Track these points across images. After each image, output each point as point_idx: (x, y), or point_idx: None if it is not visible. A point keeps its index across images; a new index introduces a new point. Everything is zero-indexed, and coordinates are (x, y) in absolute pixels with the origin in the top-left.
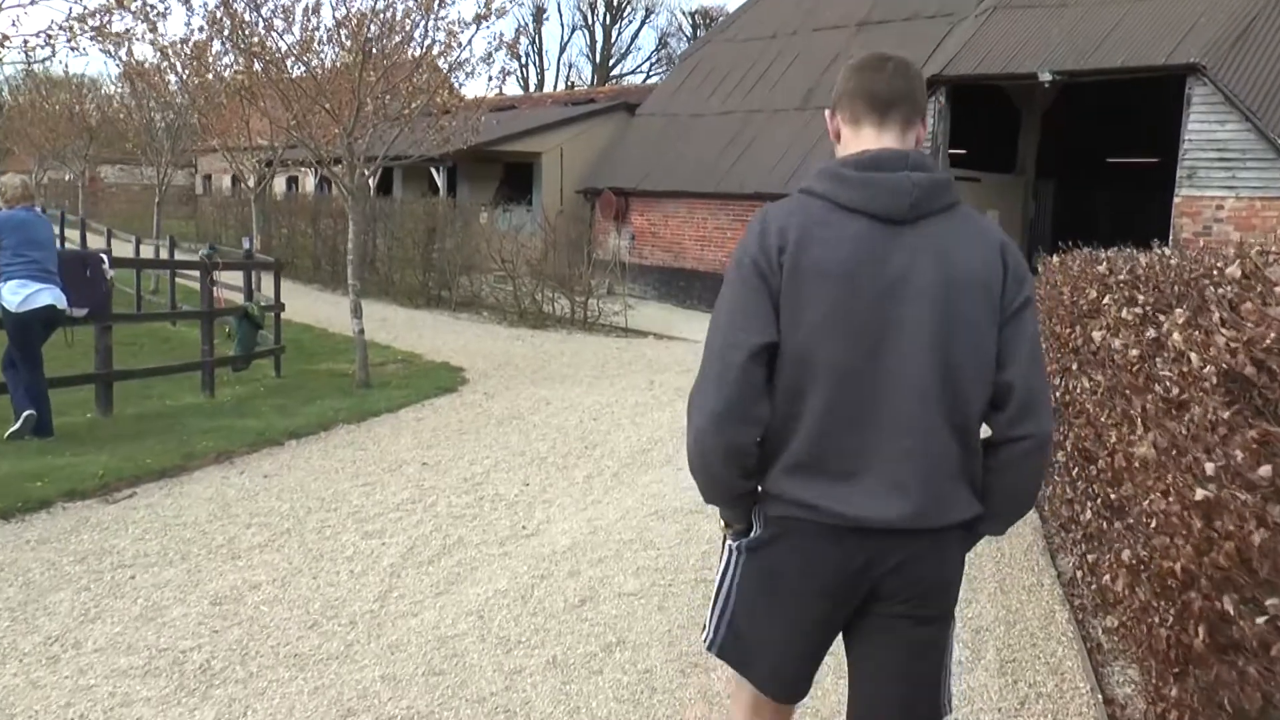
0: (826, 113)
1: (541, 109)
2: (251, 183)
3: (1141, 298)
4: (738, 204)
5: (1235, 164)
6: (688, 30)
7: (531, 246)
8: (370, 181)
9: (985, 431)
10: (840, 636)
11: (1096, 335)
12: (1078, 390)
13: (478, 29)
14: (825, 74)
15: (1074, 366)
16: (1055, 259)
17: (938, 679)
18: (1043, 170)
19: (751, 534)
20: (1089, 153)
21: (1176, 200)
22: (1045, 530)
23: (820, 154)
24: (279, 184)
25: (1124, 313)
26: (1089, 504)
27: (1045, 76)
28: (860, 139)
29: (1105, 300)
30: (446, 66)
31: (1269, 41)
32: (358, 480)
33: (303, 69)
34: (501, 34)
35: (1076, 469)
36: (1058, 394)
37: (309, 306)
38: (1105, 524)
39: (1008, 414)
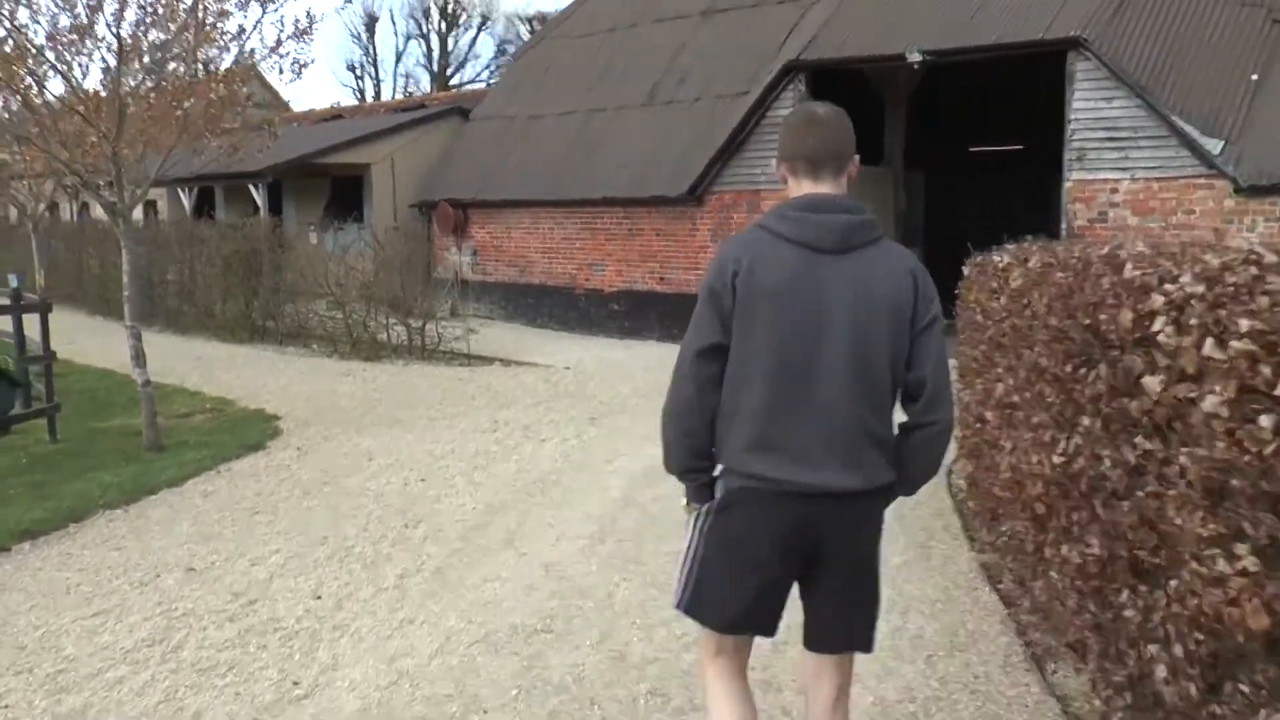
0: (775, 161)
1: (372, 118)
2: (31, 210)
3: (1247, 324)
4: (586, 210)
5: (1127, 143)
6: (525, 36)
7: (361, 268)
8: (148, 202)
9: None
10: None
11: (1154, 386)
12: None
13: (264, 12)
14: (672, 64)
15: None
16: (999, 258)
17: (871, 614)
18: (910, 161)
19: (712, 504)
20: (957, 141)
21: (1067, 184)
22: None
23: (673, 148)
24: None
25: (1214, 349)
26: None
27: (914, 57)
28: (801, 187)
29: (1159, 326)
30: (223, 55)
31: (1149, 12)
32: (89, 607)
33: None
34: (297, 19)
35: None
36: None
37: (113, 347)
38: None
39: (920, 404)
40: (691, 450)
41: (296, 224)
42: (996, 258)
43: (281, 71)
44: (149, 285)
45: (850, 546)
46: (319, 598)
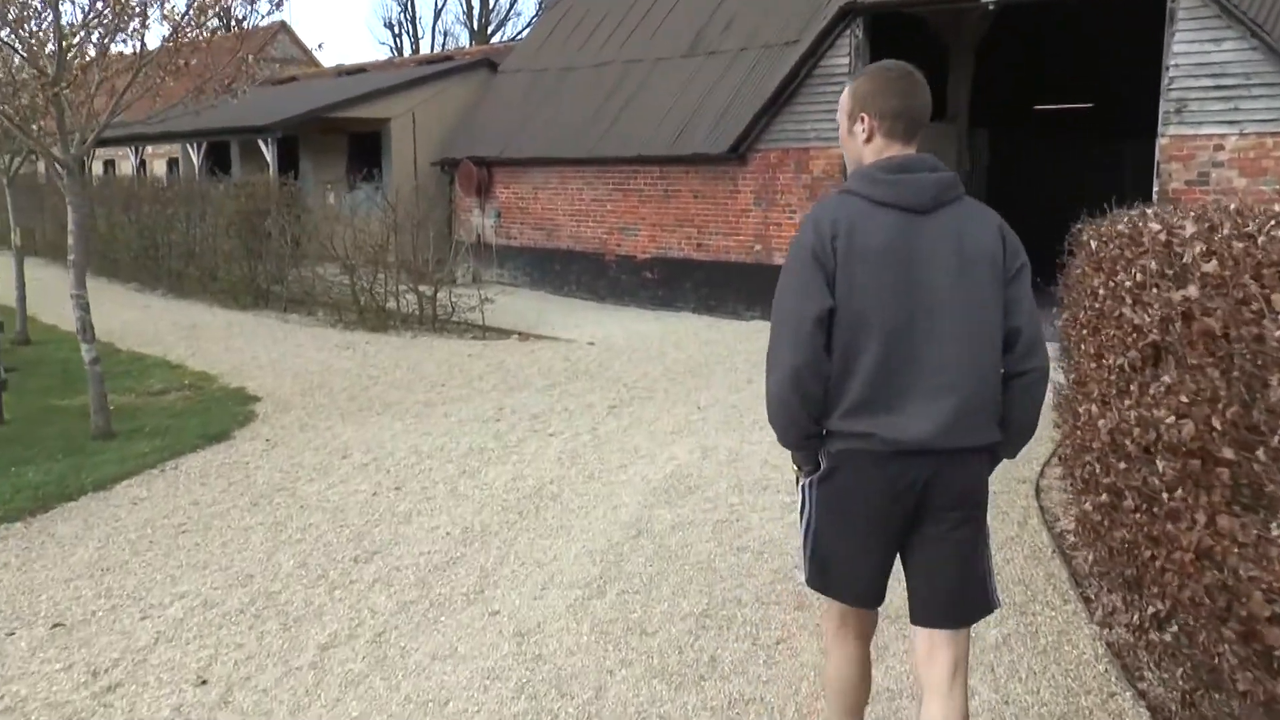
0: (849, 112)
1: (394, 72)
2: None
3: None
4: (618, 170)
5: (1238, 92)
6: None
7: (369, 231)
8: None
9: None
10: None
11: None
12: None
13: None
14: (717, 10)
15: None
16: (1156, 225)
17: (983, 573)
18: (975, 117)
19: (820, 470)
20: (1022, 98)
21: (1162, 141)
22: None
23: (716, 103)
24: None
25: None
26: None
27: None
28: (892, 149)
29: None
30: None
31: None
32: None
33: None
34: None
35: None
36: None
37: (112, 311)
38: None
39: (1017, 353)
40: (813, 418)
41: (314, 182)
42: (1155, 225)
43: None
44: (153, 247)
45: (958, 507)
46: (204, 682)
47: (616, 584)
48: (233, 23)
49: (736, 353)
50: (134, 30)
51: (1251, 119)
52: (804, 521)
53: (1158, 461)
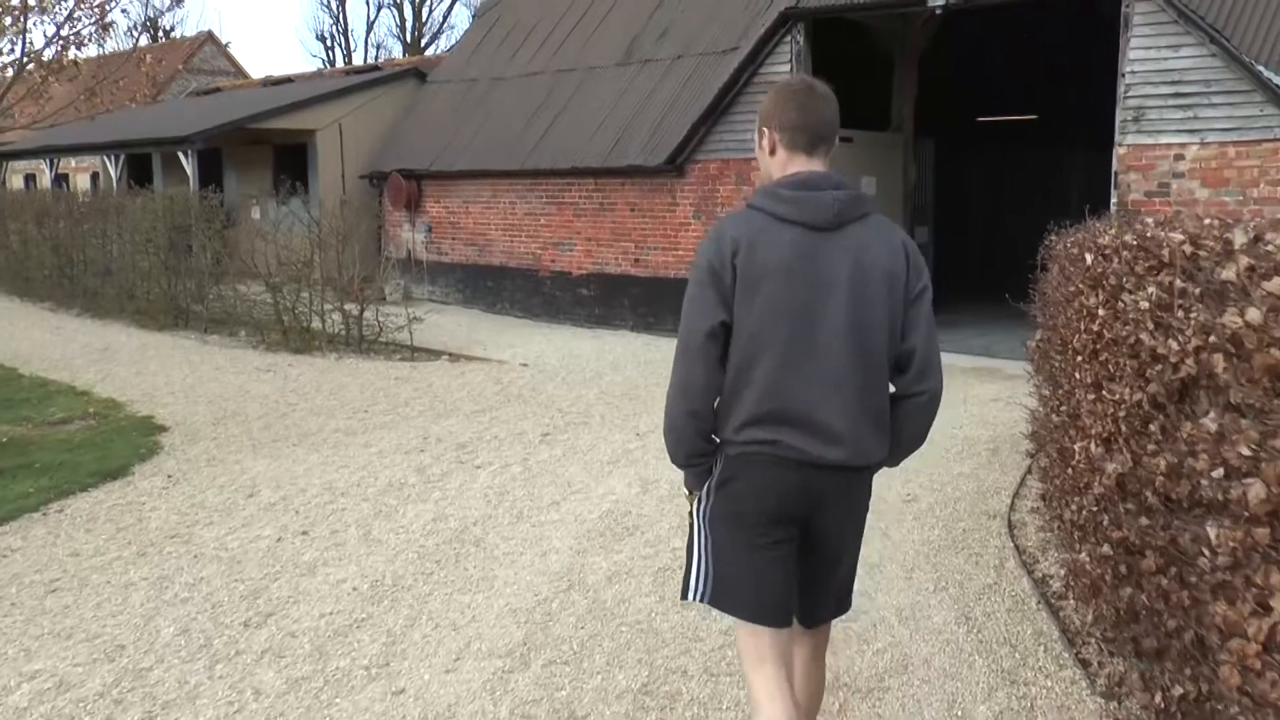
0: (758, 128)
1: (321, 82)
2: None
3: None
4: (551, 183)
5: (1197, 100)
6: None
7: (293, 247)
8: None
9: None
10: None
11: None
12: None
13: None
14: (652, 18)
15: None
16: (1178, 236)
17: (851, 583)
18: (920, 128)
19: (713, 480)
20: (966, 108)
21: (1119, 151)
22: None
23: (651, 113)
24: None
25: None
26: None
27: (938, 0)
28: (795, 163)
29: None
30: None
31: None
32: None
33: None
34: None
35: None
36: None
37: (22, 332)
38: None
39: (910, 374)
40: (699, 433)
41: (238, 196)
42: (1177, 235)
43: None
44: (69, 264)
45: (842, 520)
46: None
47: (543, 652)
48: (158, 31)
49: None
50: (11, 27)
51: (1212, 128)
52: (694, 538)
53: (1209, 527)
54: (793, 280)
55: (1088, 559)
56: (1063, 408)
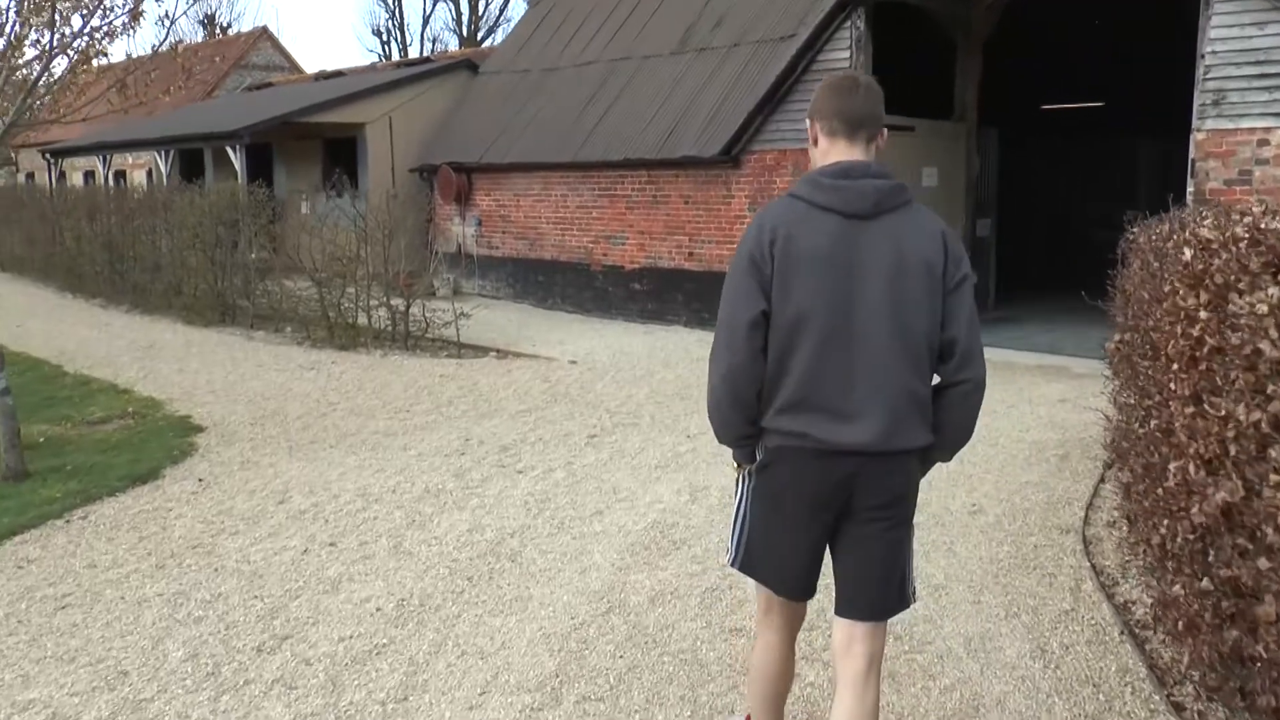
0: (807, 120)
1: (372, 75)
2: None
3: None
4: (604, 175)
5: None
6: None
7: (338, 242)
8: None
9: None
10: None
11: None
12: None
13: None
14: (708, 5)
15: None
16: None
17: (904, 572)
18: (984, 116)
19: (757, 463)
20: (1031, 96)
21: (1197, 137)
22: None
23: (707, 102)
24: (77, 178)
25: None
26: None
27: None
28: (835, 150)
29: None
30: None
31: None
32: None
33: None
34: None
35: None
36: None
37: (62, 332)
38: None
39: (952, 364)
40: (746, 419)
41: (288, 191)
42: None
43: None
44: (119, 260)
45: (884, 507)
46: None
47: (577, 685)
48: (215, 27)
49: None
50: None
51: None
52: (738, 508)
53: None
54: (830, 268)
55: (1183, 592)
56: (1151, 420)
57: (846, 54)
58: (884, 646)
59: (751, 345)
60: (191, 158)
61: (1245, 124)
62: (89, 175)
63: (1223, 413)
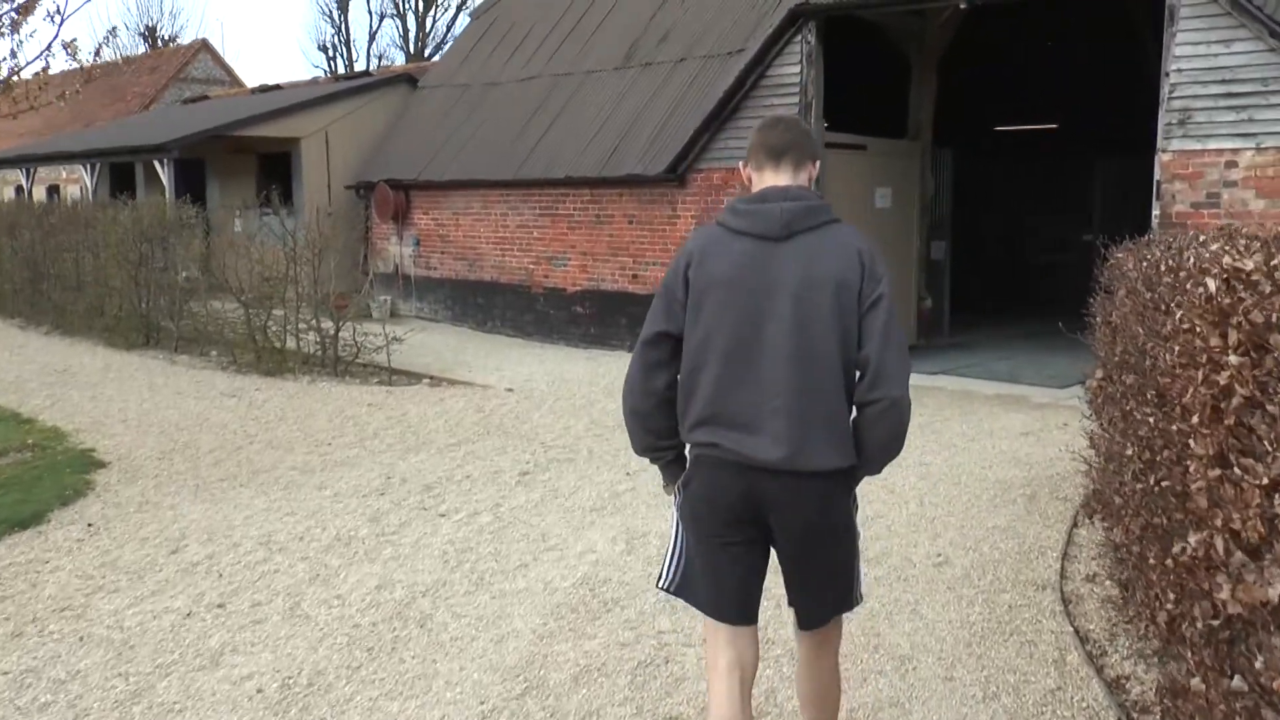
0: (740, 164)
1: (310, 89)
2: None
3: None
4: (545, 194)
5: (1252, 101)
6: None
7: (265, 262)
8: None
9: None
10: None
11: None
12: None
13: None
14: (654, 19)
15: None
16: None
17: (845, 585)
18: (939, 135)
19: (680, 479)
20: (985, 116)
21: (1163, 158)
22: None
23: (652, 118)
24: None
25: None
26: None
27: None
28: (762, 181)
29: None
30: None
31: None
32: None
33: None
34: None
35: None
36: None
37: None
38: None
39: (865, 382)
40: (646, 430)
41: (221, 208)
42: None
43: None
44: (39, 278)
45: (799, 525)
46: None
47: None
48: (156, 40)
49: None
50: None
51: (1269, 131)
52: (674, 532)
53: None
54: (737, 290)
55: (1204, 688)
56: (1154, 478)
57: (797, 69)
58: (839, 632)
59: (645, 360)
60: (123, 173)
61: (1213, 145)
62: (20, 190)
63: (1264, 481)
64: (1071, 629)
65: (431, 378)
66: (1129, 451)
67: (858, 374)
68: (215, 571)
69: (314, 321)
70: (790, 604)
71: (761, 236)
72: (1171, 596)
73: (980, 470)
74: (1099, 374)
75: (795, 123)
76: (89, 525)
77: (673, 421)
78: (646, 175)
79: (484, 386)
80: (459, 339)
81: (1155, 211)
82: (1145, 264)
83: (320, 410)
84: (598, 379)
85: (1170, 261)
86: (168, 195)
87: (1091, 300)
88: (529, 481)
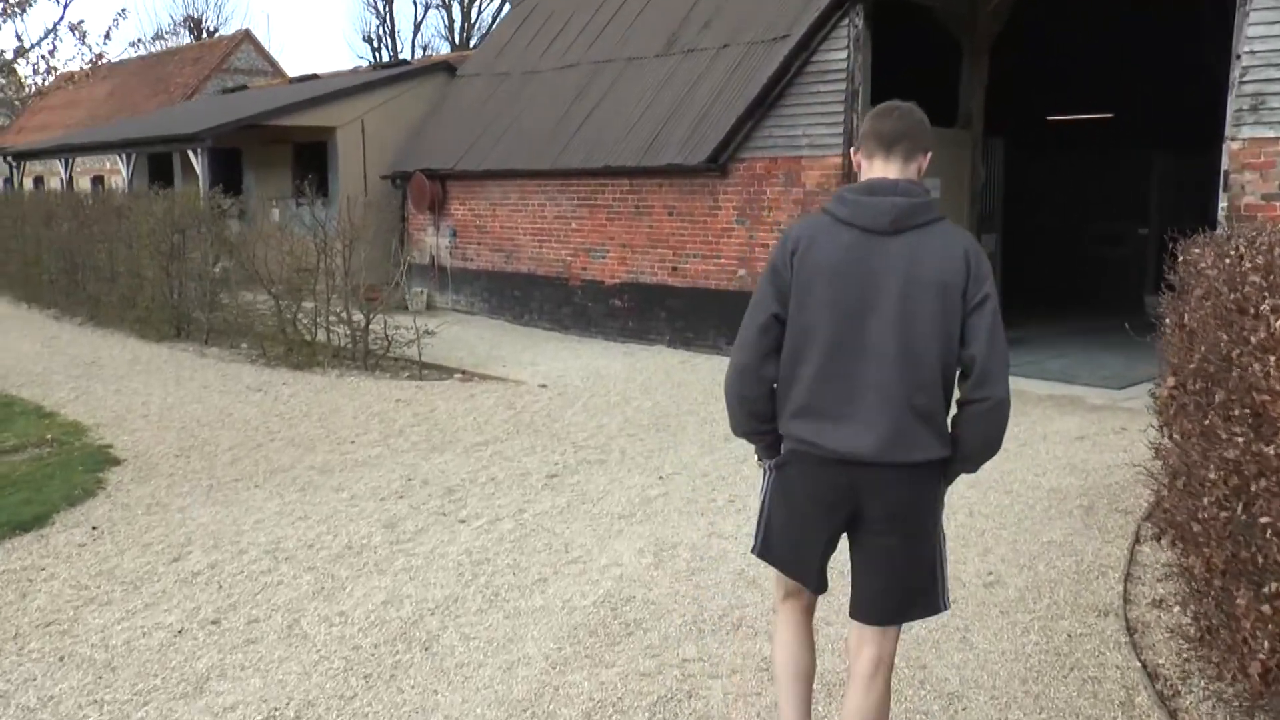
0: (852, 150)
1: (347, 78)
2: None
3: None
4: (583, 183)
5: None
6: None
7: (295, 253)
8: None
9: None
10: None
11: None
12: None
13: None
14: (697, 6)
15: None
16: None
17: (919, 583)
18: (990, 124)
19: (776, 460)
20: (1038, 105)
21: (1233, 146)
22: None
23: (694, 106)
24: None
25: None
26: None
27: None
28: (872, 169)
29: None
30: None
31: None
32: None
33: None
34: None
35: None
36: None
37: (12, 343)
38: None
39: (971, 381)
40: (751, 414)
41: (257, 198)
42: None
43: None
44: (75, 269)
45: (891, 518)
46: None
47: None
48: (201, 31)
49: (713, 398)
50: None
51: None
52: (762, 500)
53: None
54: (842, 281)
55: None
56: (1243, 506)
57: (844, 54)
58: (894, 649)
59: (759, 347)
60: (161, 163)
61: None
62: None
63: None
64: (1139, 663)
65: (464, 372)
66: (1211, 475)
67: (960, 372)
68: (215, 583)
69: (344, 314)
70: (855, 605)
71: (868, 230)
72: (1266, 645)
73: (1033, 478)
74: (1170, 382)
75: (910, 111)
76: (93, 529)
77: (774, 406)
78: (687, 165)
79: (517, 382)
80: (494, 332)
81: (1222, 204)
82: (1228, 261)
83: (346, 406)
84: (634, 375)
85: (1259, 259)
86: (202, 185)
87: (1149, 297)
88: (556, 485)
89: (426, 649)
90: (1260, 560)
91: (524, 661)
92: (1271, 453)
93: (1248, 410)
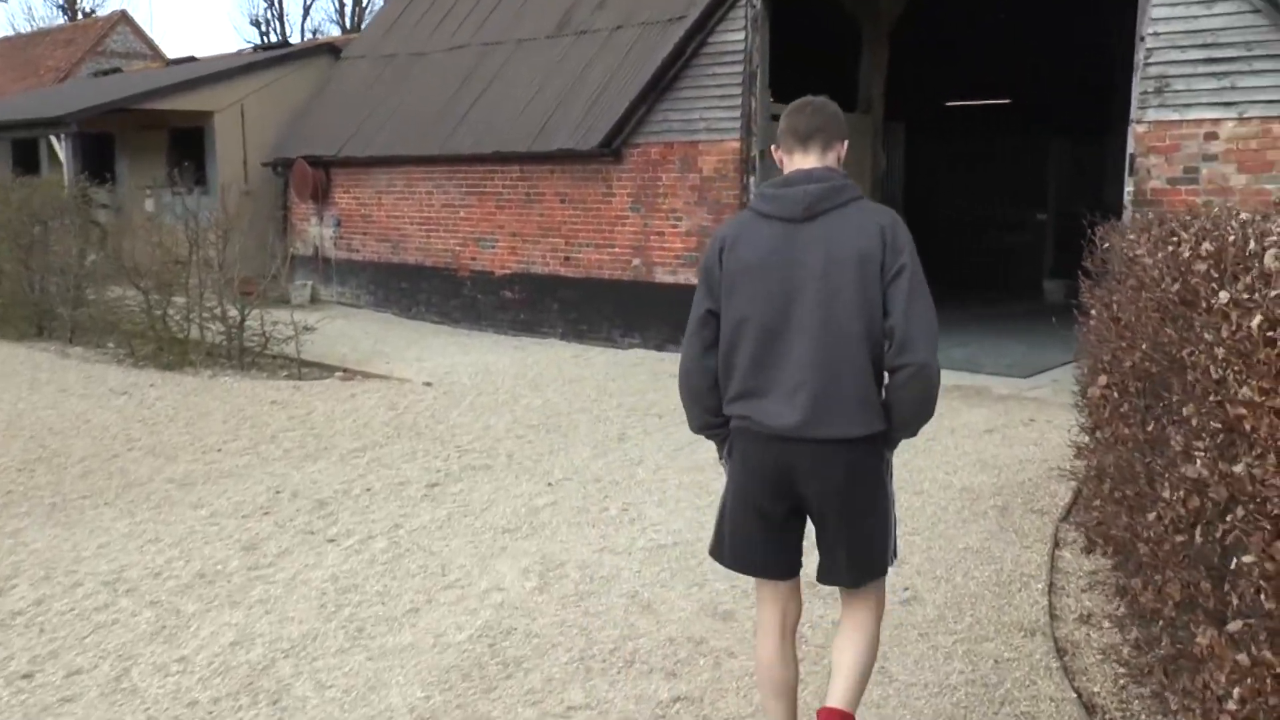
0: (772, 148)
1: (224, 60)
2: None
3: None
4: (472, 170)
5: (1235, 67)
6: None
7: (168, 244)
8: None
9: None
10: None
11: None
12: None
13: None
14: None
15: None
16: None
17: (875, 550)
18: (890, 110)
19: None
20: (937, 91)
21: (1138, 129)
22: None
23: (586, 90)
24: None
25: None
26: None
27: None
28: (791, 164)
29: None
30: None
31: None
32: None
33: None
34: None
35: None
36: None
37: None
38: None
39: (893, 349)
40: (704, 409)
41: (130, 187)
42: None
43: None
44: None
45: (830, 491)
46: None
47: None
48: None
49: (607, 394)
50: None
51: (1253, 99)
52: (721, 501)
53: None
54: (767, 271)
55: None
56: (1213, 535)
57: (741, 36)
58: (880, 597)
59: (700, 341)
60: (27, 150)
61: (1192, 115)
62: None
63: None
64: (1074, 693)
65: (345, 370)
66: (1166, 493)
67: (886, 343)
68: (37, 624)
69: (219, 309)
70: (820, 570)
71: (787, 219)
72: (1236, 694)
73: (944, 476)
74: (1103, 380)
75: (823, 105)
76: None
77: (720, 399)
78: (580, 150)
79: (401, 380)
80: (380, 326)
81: (1129, 188)
82: (1170, 249)
83: (216, 409)
84: (525, 371)
85: (1209, 245)
86: (66, 172)
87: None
88: (437, 495)
89: (275, 703)
90: (1234, 602)
91: (386, 715)
92: (1240, 473)
93: (1217, 424)
